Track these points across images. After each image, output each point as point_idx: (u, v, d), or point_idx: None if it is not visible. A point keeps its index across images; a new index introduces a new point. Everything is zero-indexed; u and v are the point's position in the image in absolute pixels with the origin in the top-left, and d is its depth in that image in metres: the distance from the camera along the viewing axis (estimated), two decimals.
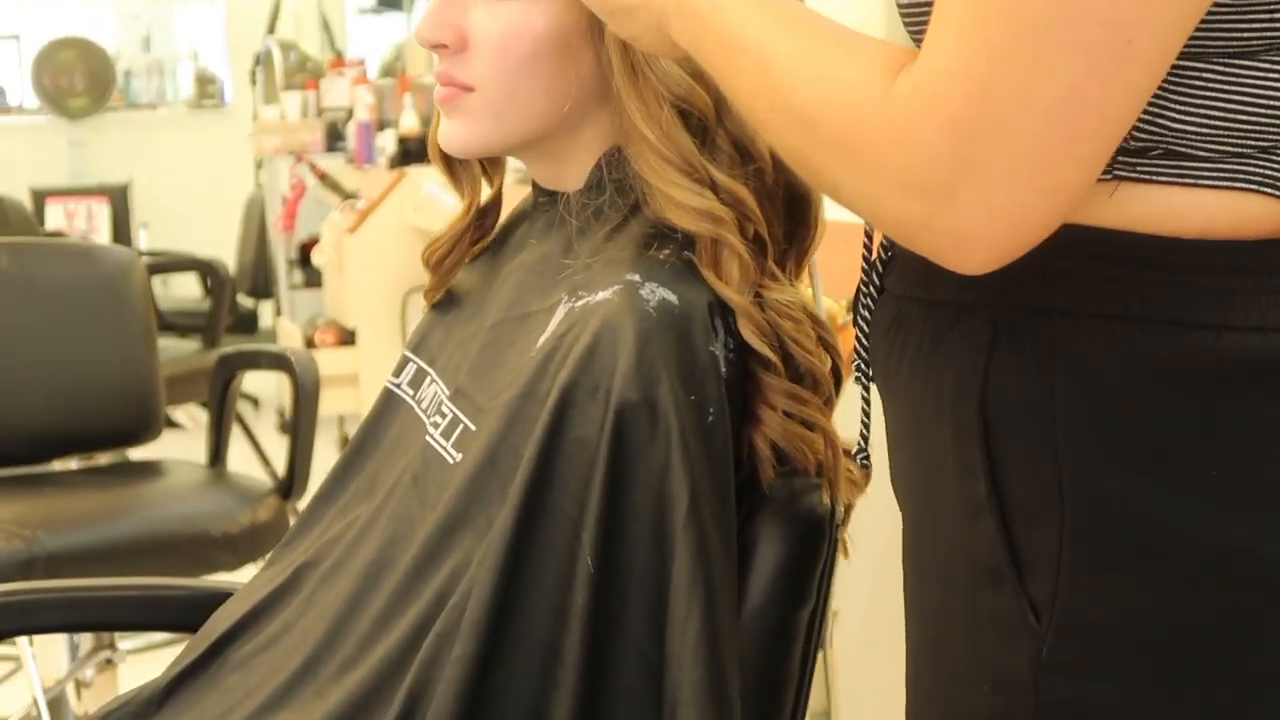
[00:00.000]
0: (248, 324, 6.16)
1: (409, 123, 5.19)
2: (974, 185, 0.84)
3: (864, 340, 1.12)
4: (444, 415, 1.31)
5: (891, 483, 1.10)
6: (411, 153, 4.99)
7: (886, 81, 0.87)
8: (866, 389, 1.15)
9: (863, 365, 1.13)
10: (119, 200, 7.62)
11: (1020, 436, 0.95)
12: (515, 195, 1.45)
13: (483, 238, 1.42)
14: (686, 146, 1.21)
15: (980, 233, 0.85)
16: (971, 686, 1.00)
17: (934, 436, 1.00)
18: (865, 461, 1.21)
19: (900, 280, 1.05)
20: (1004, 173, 0.84)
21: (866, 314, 1.11)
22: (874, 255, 1.11)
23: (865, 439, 1.21)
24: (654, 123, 1.20)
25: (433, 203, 4.17)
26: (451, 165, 1.38)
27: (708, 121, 1.21)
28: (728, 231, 1.20)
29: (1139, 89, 0.84)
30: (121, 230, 7.52)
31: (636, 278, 1.20)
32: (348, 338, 4.94)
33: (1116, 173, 0.92)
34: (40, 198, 7.48)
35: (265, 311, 6.57)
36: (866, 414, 1.19)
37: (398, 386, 1.42)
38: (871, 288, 1.10)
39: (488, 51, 1.26)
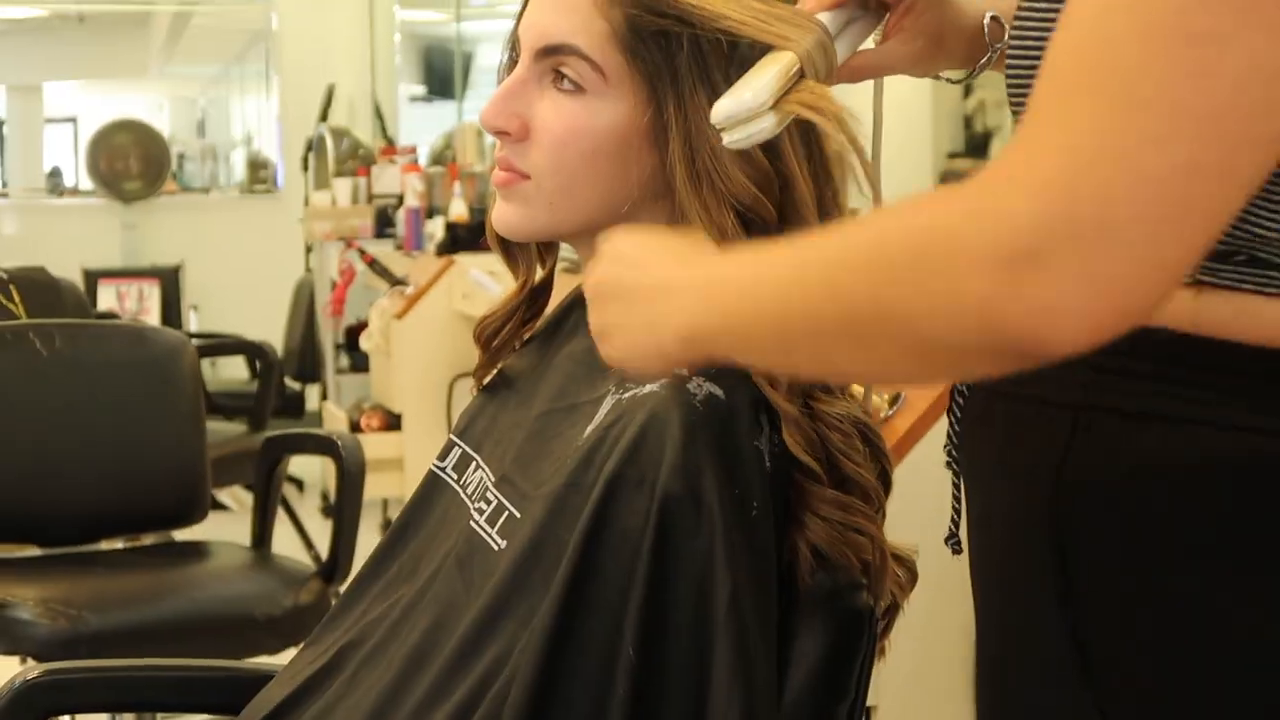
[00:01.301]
0: (294, 407, 6.19)
1: (458, 210, 5.24)
2: (1068, 248, 0.75)
3: (955, 429, 1.11)
4: (489, 501, 1.32)
5: (970, 569, 1.10)
6: (460, 240, 5.04)
7: (959, 187, 0.81)
8: (958, 476, 1.14)
9: (954, 453, 1.12)
10: (170, 282, 7.71)
11: (1092, 534, 0.95)
12: (564, 284, 1.47)
13: (533, 318, 1.44)
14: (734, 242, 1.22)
15: (1072, 304, 0.76)
16: None
17: (1009, 529, 1.01)
18: (956, 548, 1.18)
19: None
20: (1103, 237, 0.75)
21: (959, 404, 1.11)
22: None
23: (955, 524, 1.19)
24: (715, 228, 1.21)
25: (480, 290, 4.20)
26: (507, 244, 1.40)
27: (770, 230, 1.22)
28: None
29: (1250, 175, 0.78)
30: (172, 312, 7.60)
31: (684, 371, 1.21)
32: (393, 422, 4.97)
33: (1200, 277, 0.91)
34: (93, 279, 7.57)
35: (311, 395, 6.61)
36: (958, 500, 1.16)
37: (442, 470, 1.43)
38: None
39: (547, 144, 1.27)
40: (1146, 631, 0.94)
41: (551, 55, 1.26)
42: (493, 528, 1.29)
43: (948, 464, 1.15)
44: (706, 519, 1.16)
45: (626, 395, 1.23)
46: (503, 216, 1.33)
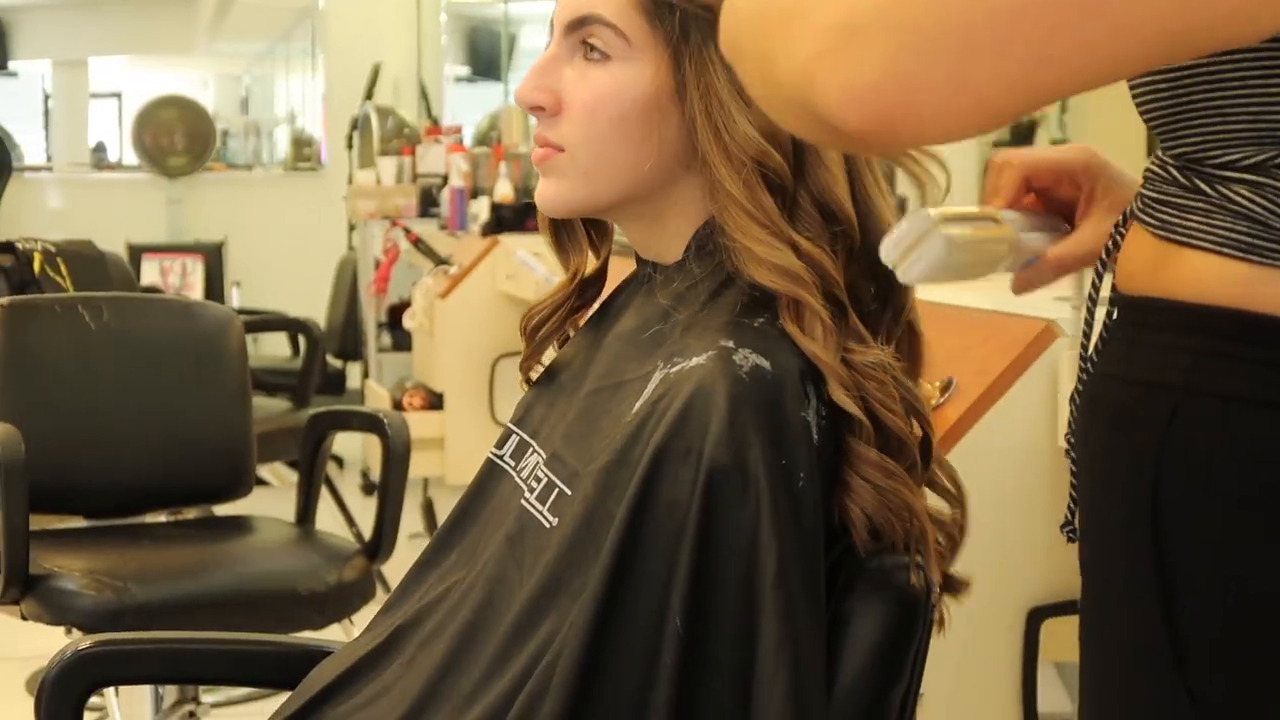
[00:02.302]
0: (335, 385, 6.21)
1: (503, 190, 5.24)
2: (877, 33, 0.77)
3: (1074, 416, 1.12)
4: (539, 480, 1.32)
5: (1078, 554, 1.11)
6: (504, 220, 5.04)
7: None
8: (1075, 463, 1.15)
9: (1071, 439, 1.13)
10: (213, 258, 7.74)
11: (1190, 520, 0.95)
12: (619, 269, 1.47)
13: (583, 308, 1.44)
14: (769, 205, 1.24)
15: (865, 83, 0.78)
16: None
17: (1108, 513, 1.01)
18: (1072, 535, 1.17)
19: (1106, 359, 1.05)
20: (908, 34, 0.77)
21: (1079, 390, 1.11)
22: (1093, 339, 1.11)
23: (1072, 511, 1.18)
24: (738, 179, 1.24)
25: (525, 271, 4.21)
26: (558, 234, 1.42)
27: (785, 183, 1.25)
28: (807, 292, 1.22)
29: (1102, 50, 0.76)
30: (215, 287, 7.63)
31: (730, 344, 1.22)
32: (435, 401, 4.97)
33: None
34: (137, 253, 7.60)
35: (352, 373, 6.63)
36: (1075, 486, 1.17)
37: (500, 458, 1.43)
38: (1086, 365, 1.10)
39: (577, 114, 1.31)
40: (1241, 616, 0.94)
41: (579, 28, 1.30)
42: (544, 505, 1.30)
43: (1066, 452, 1.16)
44: (753, 490, 1.16)
45: (674, 370, 1.24)
46: (543, 194, 1.35)
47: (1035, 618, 2.19)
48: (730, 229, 1.24)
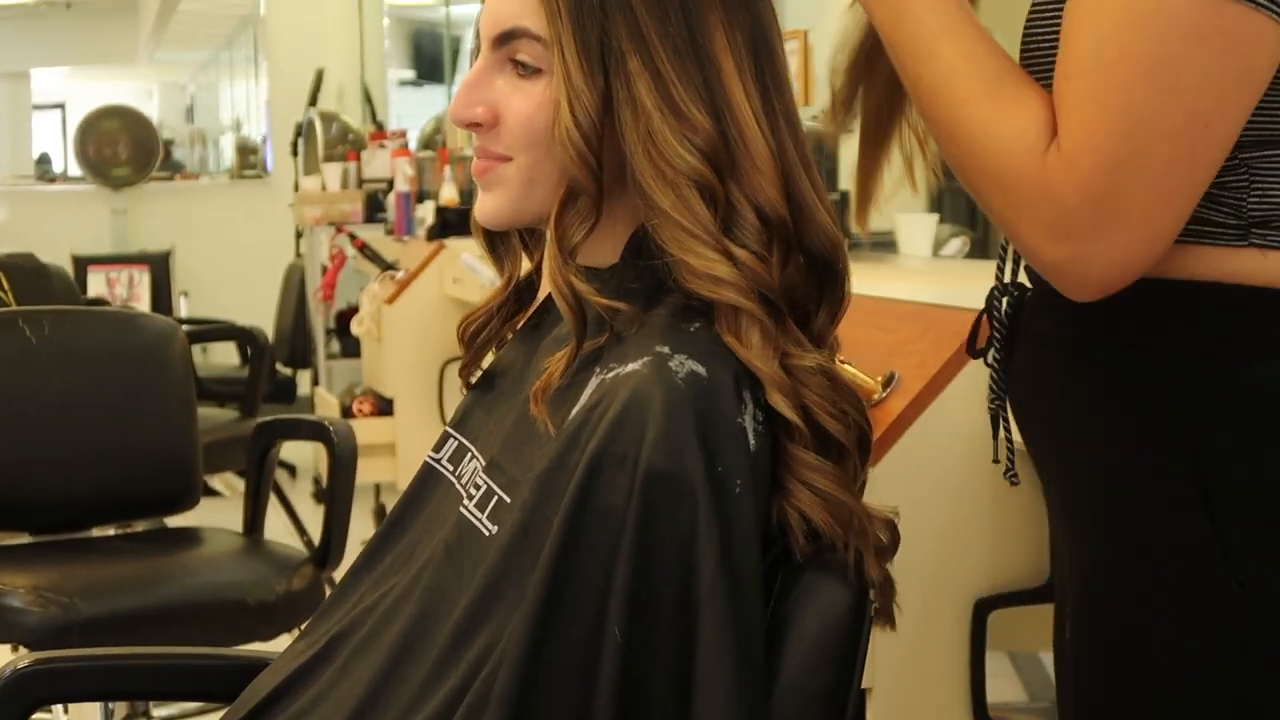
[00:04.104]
0: (285, 392, 6.19)
1: (449, 194, 5.23)
2: (1103, 237, 1.12)
3: (1021, 365, 1.37)
4: (479, 487, 1.32)
5: (1057, 497, 1.33)
6: (450, 224, 5.02)
7: (1044, 143, 1.14)
8: (1021, 407, 1.38)
9: (1001, 390, 1.41)
10: (160, 268, 7.70)
11: (1222, 425, 1.18)
12: None
13: (519, 313, 1.44)
14: (703, 215, 1.22)
15: (1100, 274, 1.14)
16: (1175, 654, 1.21)
17: (1118, 437, 1.24)
18: (1014, 479, 1.47)
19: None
20: (1127, 227, 1.12)
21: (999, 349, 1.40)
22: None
23: (1011, 460, 1.46)
24: (671, 193, 1.22)
25: (471, 274, 4.20)
26: (492, 240, 1.41)
27: (718, 192, 1.23)
28: (745, 298, 1.21)
29: (1215, 161, 1.12)
30: (161, 298, 7.59)
31: (666, 349, 1.21)
32: (385, 407, 4.96)
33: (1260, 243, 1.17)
34: (82, 265, 7.57)
35: (303, 380, 6.61)
36: (1009, 434, 1.45)
37: (438, 461, 1.42)
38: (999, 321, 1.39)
39: (515, 124, 1.29)
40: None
41: (507, 41, 1.29)
42: (483, 513, 1.29)
43: (996, 404, 1.42)
44: (689, 496, 1.16)
45: (610, 375, 1.23)
46: (484, 206, 1.34)
47: (982, 609, 2.20)
48: (665, 243, 1.24)
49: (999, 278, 1.42)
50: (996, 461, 1.46)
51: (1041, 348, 1.33)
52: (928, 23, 1.22)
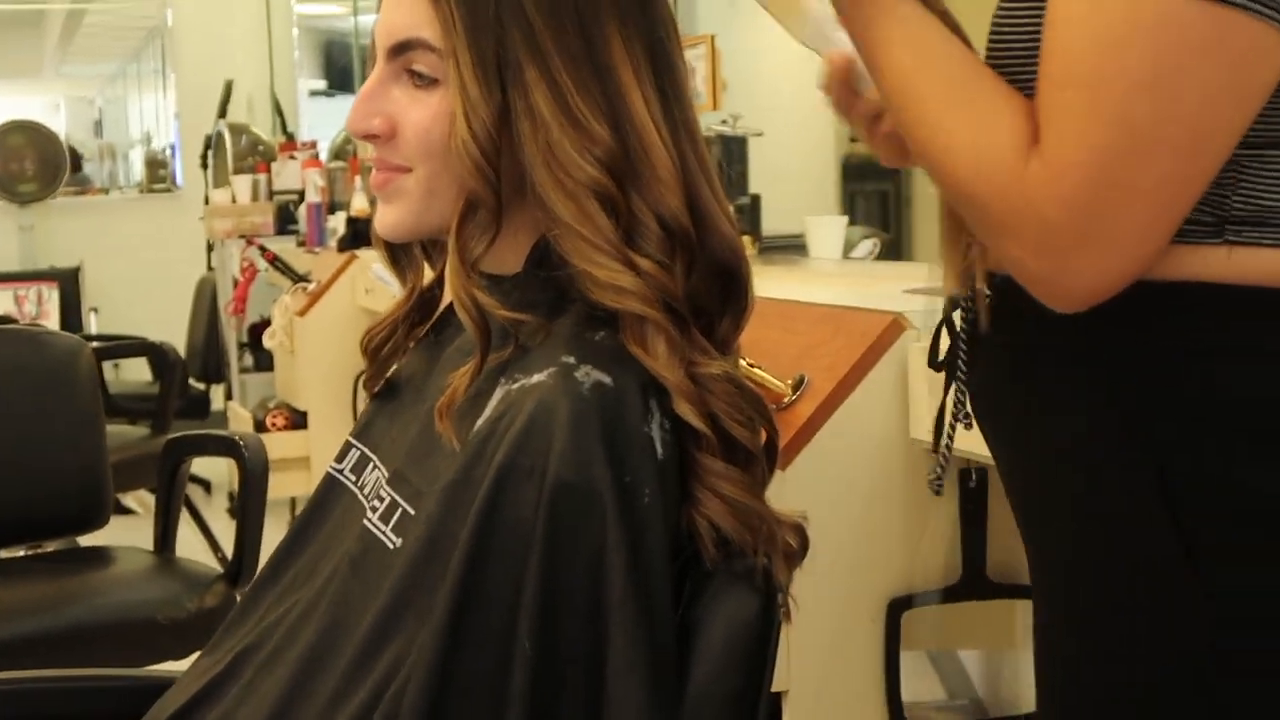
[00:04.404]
0: (199, 407, 6.13)
1: (360, 204, 5.20)
2: (1089, 253, 1.09)
3: (985, 378, 1.35)
4: (382, 499, 1.31)
5: (1033, 514, 1.31)
6: (362, 234, 5.00)
7: (1023, 158, 1.10)
8: (984, 417, 1.36)
9: (963, 395, 1.39)
10: (69, 284, 7.61)
11: (1188, 431, 1.16)
12: None
13: (422, 322, 1.43)
14: (605, 226, 1.22)
15: (1085, 288, 1.11)
16: (1146, 659, 1.20)
17: (1082, 444, 1.22)
18: (939, 489, 1.48)
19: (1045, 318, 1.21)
20: (1113, 241, 1.09)
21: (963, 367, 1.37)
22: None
23: (943, 469, 1.47)
24: (571, 204, 1.22)
25: (382, 285, 4.18)
26: (393, 251, 1.40)
27: (619, 203, 1.23)
28: (649, 308, 1.21)
29: (1209, 174, 1.09)
30: (71, 314, 7.50)
31: (571, 360, 1.20)
32: (299, 420, 4.93)
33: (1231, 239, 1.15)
34: None
35: (217, 395, 6.55)
36: (949, 447, 1.44)
37: (340, 472, 1.41)
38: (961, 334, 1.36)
39: (412, 135, 1.27)
40: (1246, 514, 1.15)
41: (402, 52, 1.27)
42: (387, 525, 1.28)
43: (958, 413, 1.40)
44: (597, 507, 1.15)
45: (515, 386, 1.22)
46: (385, 219, 1.32)
47: (895, 609, 2.21)
48: (568, 254, 1.23)
49: (949, 291, 1.40)
50: (937, 478, 1.46)
51: (1005, 354, 1.30)
52: (890, 32, 1.20)
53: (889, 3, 1.20)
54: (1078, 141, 1.08)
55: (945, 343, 1.42)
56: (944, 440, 1.42)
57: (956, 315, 1.39)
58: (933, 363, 1.44)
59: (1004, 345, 1.29)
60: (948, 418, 1.40)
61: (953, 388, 1.39)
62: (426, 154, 1.27)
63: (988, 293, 1.31)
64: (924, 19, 1.20)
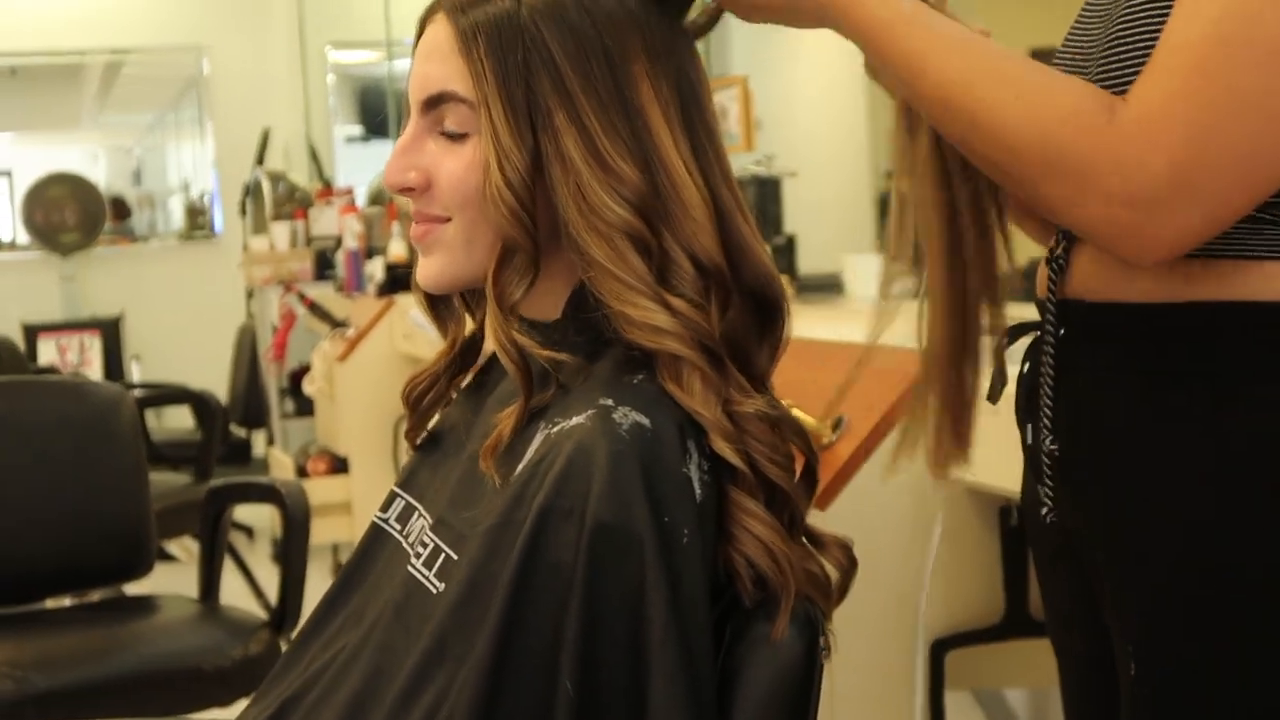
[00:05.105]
0: (240, 454, 6.16)
1: (397, 250, 5.22)
2: (1180, 205, 1.10)
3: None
4: (426, 545, 1.31)
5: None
6: (400, 280, 5.02)
7: (1103, 112, 1.12)
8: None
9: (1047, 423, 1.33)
10: (111, 333, 7.67)
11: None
12: None
13: (463, 372, 1.44)
14: (638, 267, 1.23)
15: (1168, 241, 1.12)
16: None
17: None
18: (1053, 519, 1.36)
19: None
20: (1202, 199, 1.11)
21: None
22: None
23: (1052, 500, 1.35)
24: (605, 246, 1.23)
25: (420, 331, 4.19)
26: (434, 303, 1.41)
27: (651, 243, 1.24)
28: (685, 347, 1.21)
29: None
30: (114, 363, 7.55)
31: (610, 402, 1.21)
32: (340, 465, 4.94)
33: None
34: (32, 333, 7.52)
35: (258, 441, 6.57)
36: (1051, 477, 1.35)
37: (385, 522, 1.42)
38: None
39: (448, 187, 1.29)
40: None
41: (435, 105, 1.29)
42: (430, 570, 1.29)
43: (1046, 441, 1.33)
44: (636, 549, 1.15)
45: (555, 430, 1.23)
46: (427, 272, 1.34)
47: (939, 649, 2.20)
48: (603, 295, 1.24)
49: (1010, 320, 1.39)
50: (1044, 510, 1.37)
51: (1102, 381, 1.28)
52: (929, 26, 1.21)
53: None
54: (1183, 97, 1.10)
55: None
56: (1045, 485, 1.36)
57: (1004, 350, 1.39)
58: (992, 396, 1.43)
59: (1105, 371, 1.27)
60: (1042, 455, 1.34)
61: (1035, 421, 1.35)
62: (463, 204, 1.29)
63: (1050, 325, 1.31)
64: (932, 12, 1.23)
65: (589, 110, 1.24)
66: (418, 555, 1.31)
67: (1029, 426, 1.37)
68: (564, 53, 1.25)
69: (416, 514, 1.37)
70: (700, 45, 1.35)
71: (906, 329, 1.42)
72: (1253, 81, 1.08)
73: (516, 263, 1.27)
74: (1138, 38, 1.21)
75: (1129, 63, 1.20)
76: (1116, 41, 1.23)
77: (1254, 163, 1.10)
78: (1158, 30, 1.17)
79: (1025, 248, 1.45)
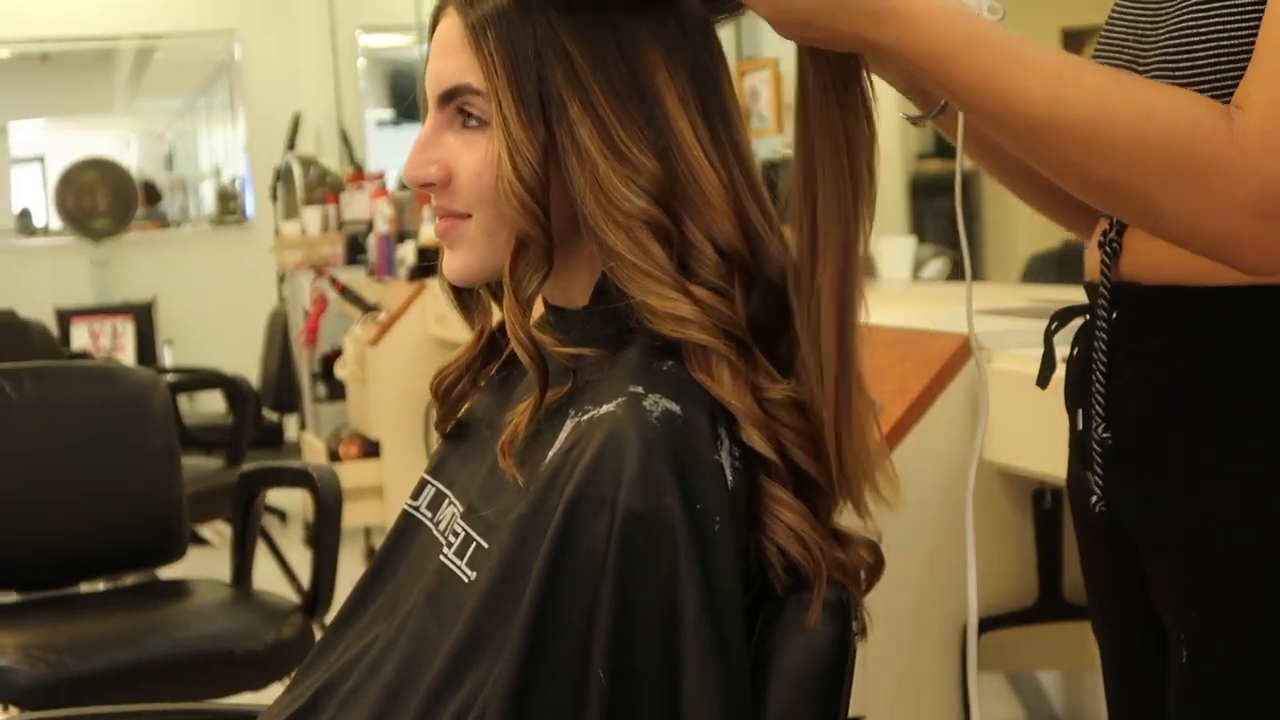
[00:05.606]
0: (273, 438, 6.18)
1: (429, 234, 5.22)
2: None
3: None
4: (457, 534, 1.31)
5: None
6: (431, 264, 5.01)
7: (1224, 122, 1.08)
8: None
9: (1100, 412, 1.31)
10: (143, 318, 7.69)
11: None
12: None
13: (492, 361, 1.43)
14: (659, 256, 1.22)
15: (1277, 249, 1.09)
16: None
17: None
18: (1102, 507, 1.34)
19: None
20: None
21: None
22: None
23: (1101, 490, 1.34)
24: (624, 237, 1.22)
25: (453, 314, 4.19)
26: (461, 296, 1.41)
27: (671, 231, 1.23)
28: (711, 336, 1.21)
29: None
30: (146, 347, 7.58)
31: (640, 389, 1.20)
32: (371, 449, 4.95)
33: None
34: (65, 318, 7.56)
35: (290, 425, 6.59)
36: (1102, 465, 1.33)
37: (416, 509, 1.42)
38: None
39: (467, 180, 1.28)
40: None
41: (451, 99, 1.29)
42: (461, 559, 1.28)
43: (1099, 429, 1.32)
44: (669, 536, 1.15)
45: (585, 418, 1.22)
46: (452, 266, 1.34)
47: None
48: (625, 285, 1.23)
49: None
50: (1094, 499, 1.36)
51: (1159, 364, 1.27)
52: (1004, 46, 1.13)
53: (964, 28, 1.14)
54: None
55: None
56: (1094, 473, 1.35)
57: (1054, 334, 1.39)
58: (1042, 381, 1.42)
59: (1167, 353, 1.26)
60: (1093, 442, 1.34)
61: (1087, 407, 1.34)
62: (480, 199, 1.28)
63: (1103, 308, 1.30)
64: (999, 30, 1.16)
65: (603, 100, 1.23)
66: (449, 544, 1.31)
67: (1079, 412, 1.36)
68: (576, 42, 1.24)
69: (447, 501, 1.37)
70: (731, 28, 1.34)
71: (938, 312, 1.40)
72: None
73: (531, 256, 1.26)
74: (1212, 29, 1.18)
75: (1203, 57, 1.18)
76: (1185, 33, 1.20)
77: None
78: (1235, 22, 1.15)
79: (1051, 229, 1.43)
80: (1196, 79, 1.17)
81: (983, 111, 1.14)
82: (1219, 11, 1.17)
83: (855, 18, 1.12)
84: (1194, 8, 1.20)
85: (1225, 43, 1.16)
